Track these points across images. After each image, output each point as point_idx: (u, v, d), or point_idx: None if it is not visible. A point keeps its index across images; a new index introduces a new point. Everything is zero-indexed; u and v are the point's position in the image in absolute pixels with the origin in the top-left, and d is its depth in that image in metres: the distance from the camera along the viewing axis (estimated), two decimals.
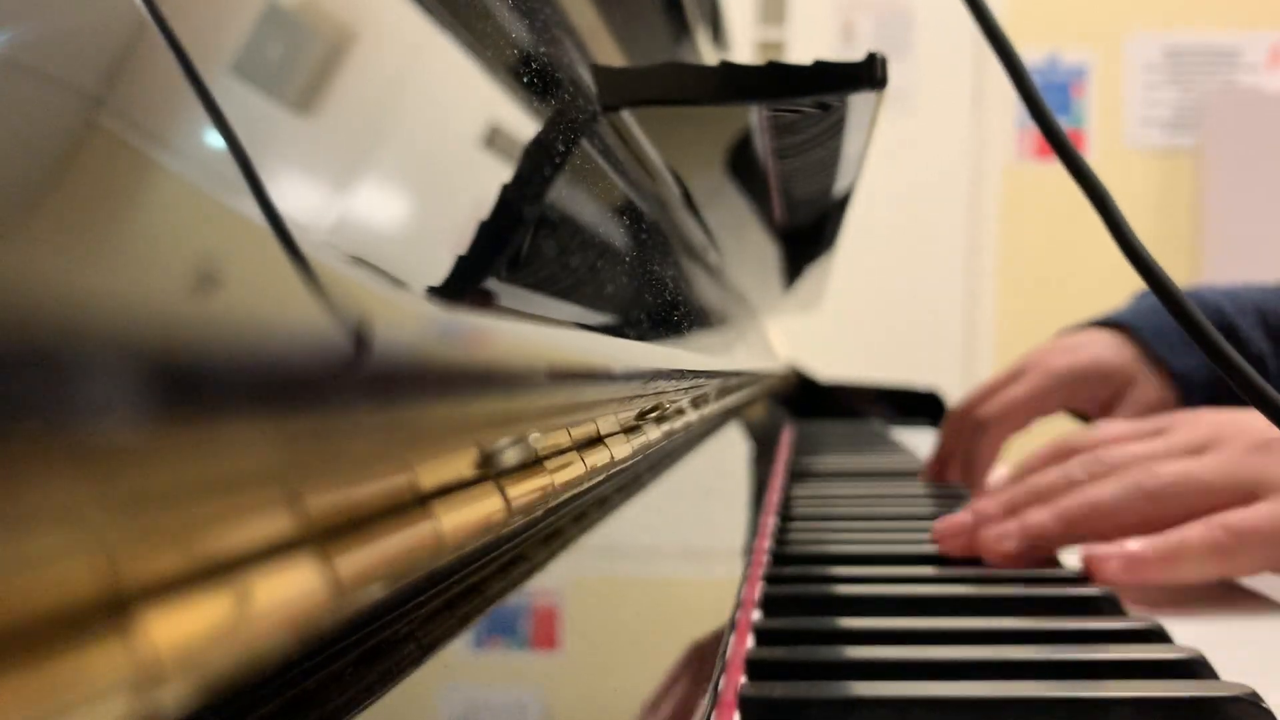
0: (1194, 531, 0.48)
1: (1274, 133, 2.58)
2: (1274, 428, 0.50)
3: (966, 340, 2.79)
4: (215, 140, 0.13)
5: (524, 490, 0.19)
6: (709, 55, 0.77)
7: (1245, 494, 0.50)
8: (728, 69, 0.38)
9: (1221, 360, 0.36)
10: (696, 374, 0.39)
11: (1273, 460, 0.50)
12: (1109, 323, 0.82)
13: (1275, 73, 2.73)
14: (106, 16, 0.12)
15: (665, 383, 0.32)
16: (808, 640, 0.39)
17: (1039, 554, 0.52)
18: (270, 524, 0.11)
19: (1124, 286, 1.01)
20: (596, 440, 0.26)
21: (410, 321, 0.15)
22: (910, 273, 2.77)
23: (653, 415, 0.34)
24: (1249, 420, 0.52)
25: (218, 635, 0.10)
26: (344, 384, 0.12)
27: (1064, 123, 1.62)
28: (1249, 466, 0.50)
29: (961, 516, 0.54)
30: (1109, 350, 0.80)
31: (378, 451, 0.13)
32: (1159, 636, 0.39)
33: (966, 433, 0.79)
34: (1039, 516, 0.52)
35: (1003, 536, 0.52)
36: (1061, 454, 0.56)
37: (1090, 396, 0.80)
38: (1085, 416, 0.82)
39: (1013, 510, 0.53)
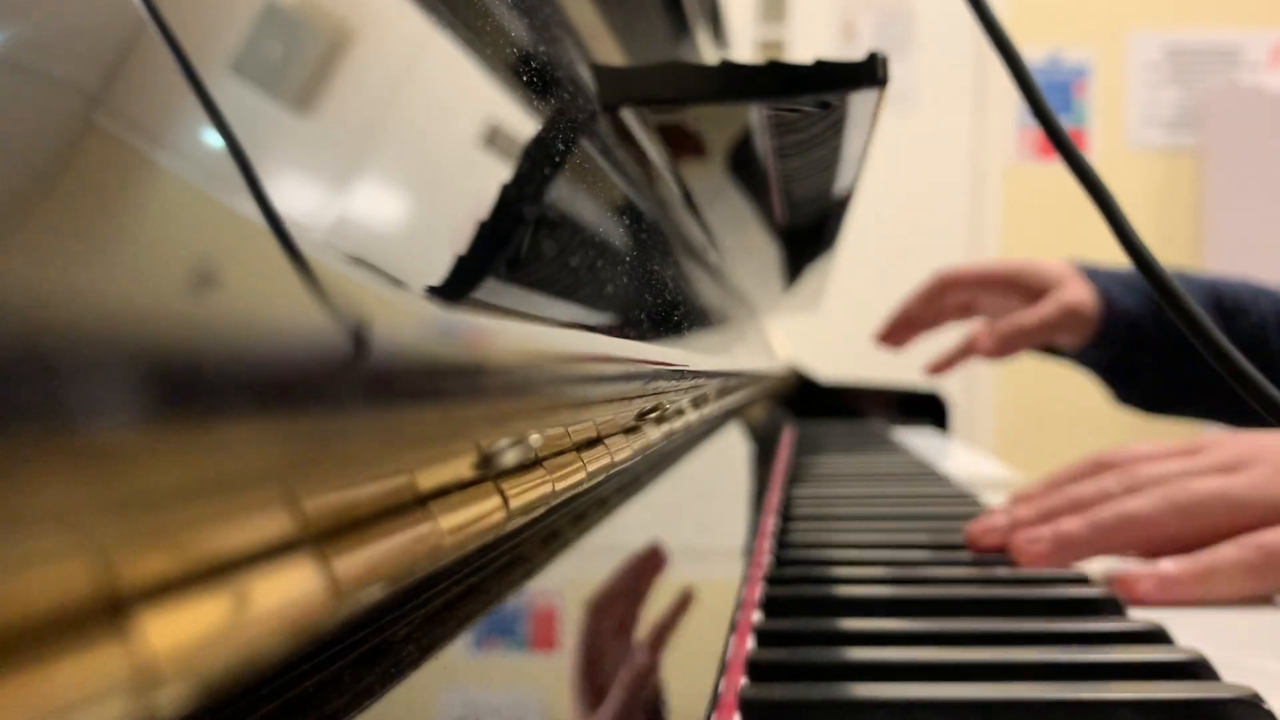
0: (1227, 552, 0.49)
1: (1275, 132, 2.58)
2: None
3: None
4: (214, 140, 0.12)
5: (523, 491, 0.19)
6: (709, 54, 0.77)
7: (1276, 513, 0.50)
8: (728, 68, 0.38)
9: (1220, 356, 0.36)
10: (696, 374, 0.39)
11: None
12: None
13: (1277, 72, 2.73)
14: (105, 16, 0.12)
15: (665, 383, 0.32)
16: (809, 641, 0.39)
17: (1068, 561, 0.53)
18: (268, 525, 0.11)
19: None
20: (596, 441, 0.26)
21: (409, 321, 0.15)
22: (911, 273, 2.76)
23: (652, 415, 0.34)
24: None
25: (216, 637, 0.10)
26: (342, 384, 0.12)
27: (1065, 122, 1.62)
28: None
29: (997, 518, 0.55)
30: (1063, 267, 1.00)
31: (376, 452, 0.13)
32: (1160, 638, 0.39)
33: (937, 291, 1.06)
34: (1072, 525, 0.52)
35: (1035, 540, 0.52)
36: (1096, 468, 0.57)
37: (1026, 288, 0.99)
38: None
39: (1048, 517, 0.54)
